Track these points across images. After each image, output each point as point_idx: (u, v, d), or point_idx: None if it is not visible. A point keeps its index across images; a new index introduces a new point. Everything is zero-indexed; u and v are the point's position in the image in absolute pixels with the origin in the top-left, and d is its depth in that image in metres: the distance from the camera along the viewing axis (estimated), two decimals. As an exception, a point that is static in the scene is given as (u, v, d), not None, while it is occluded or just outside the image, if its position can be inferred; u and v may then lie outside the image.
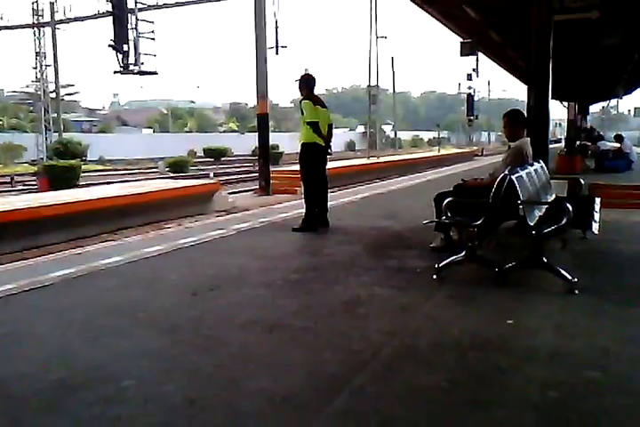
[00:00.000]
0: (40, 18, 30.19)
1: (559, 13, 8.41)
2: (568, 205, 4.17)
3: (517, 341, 3.25)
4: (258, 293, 4.20)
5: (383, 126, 52.08)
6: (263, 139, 15.21)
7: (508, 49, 17.39)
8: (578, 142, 20.72)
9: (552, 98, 8.99)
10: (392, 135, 52.91)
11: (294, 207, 8.54)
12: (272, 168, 16.40)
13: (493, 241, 5.63)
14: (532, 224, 4.30)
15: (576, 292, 4.09)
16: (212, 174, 23.57)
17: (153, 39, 20.00)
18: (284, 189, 15.01)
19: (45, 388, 2.64)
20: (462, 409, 2.48)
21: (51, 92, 32.27)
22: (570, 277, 4.17)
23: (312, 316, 3.68)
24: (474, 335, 3.31)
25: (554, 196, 5.71)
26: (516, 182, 4.26)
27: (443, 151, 36.38)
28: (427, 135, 69.92)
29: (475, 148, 42.00)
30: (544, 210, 4.84)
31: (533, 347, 3.16)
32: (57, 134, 31.65)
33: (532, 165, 5.31)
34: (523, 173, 4.66)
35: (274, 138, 20.01)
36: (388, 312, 3.77)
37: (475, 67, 39.63)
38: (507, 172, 4.40)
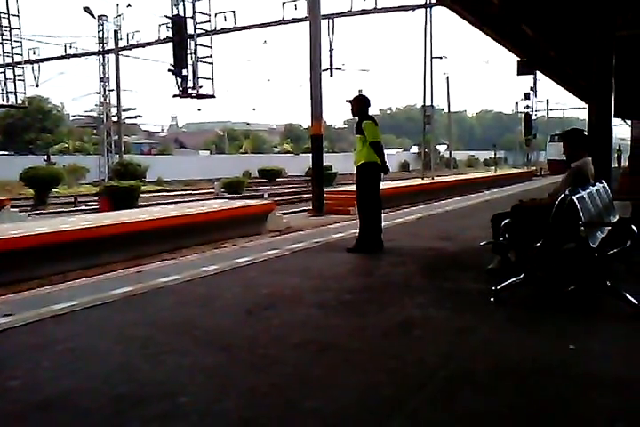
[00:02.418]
0: (105, 45, 31.57)
1: (621, 29, 8.23)
2: (633, 226, 4.03)
3: (580, 367, 3.13)
4: (311, 313, 4.20)
5: (438, 146, 51.72)
6: (317, 159, 15.31)
7: (567, 67, 17.07)
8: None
9: (614, 116, 8.75)
10: (447, 155, 52.46)
11: (348, 227, 8.55)
12: (326, 189, 16.47)
13: (553, 264, 5.47)
14: (594, 246, 4.17)
15: (642, 317, 3.92)
16: (266, 195, 23.86)
17: (211, 63, 20.58)
18: (337, 210, 15.02)
19: (106, 402, 2.71)
20: (523, 437, 2.40)
21: (113, 116, 33.55)
22: (635, 302, 4.00)
23: (366, 337, 3.66)
24: (534, 360, 3.21)
25: (617, 217, 5.52)
26: (577, 203, 4.15)
27: (499, 172, 35.72)
28: (483, 155, 68.89)
29: (533, 168, 41.18)
30: (607, 232, 4.69)
31: (598, 374, 3.03)
32: (118, 156, 32.78)
33: (593, 185, 5.16)
34: (584, 194, 4.54)
35: (327, 159, 20.12)
36: (443, 335, 3.70)
37: (532, 85, 39.15)
38: (567, 192, 4.29)
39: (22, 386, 2.91)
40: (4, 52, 23.77)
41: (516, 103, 46.99)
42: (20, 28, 23.73)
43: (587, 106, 12.29)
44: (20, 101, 25.24)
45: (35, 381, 2.98)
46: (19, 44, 24.16)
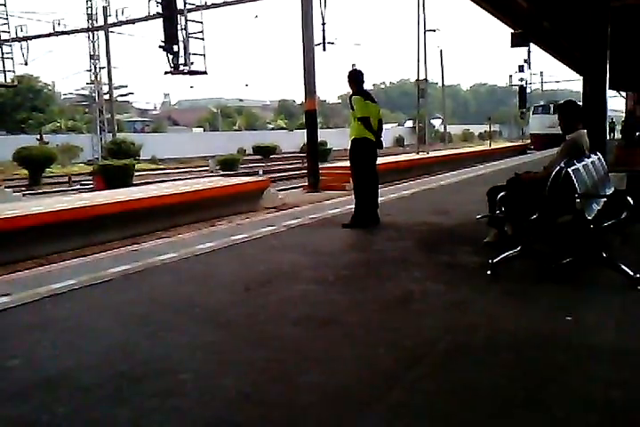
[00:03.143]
0: (94, 22, 31.05)
1: (616, -1, 8.13)
2: (628, 198, 4.03)
3: (577, 338, 3.16)
4: (309, 289, 4.22)
5: (432, 120, 51.39)
6: (311, 135, 15.23)
7: (562, 39, 16.90)
8: (638, 134, 19.96)
9: (609, 88, 8.70)
10: (441, 129, 52.24)
11: (344, 203, 8.54)
12: (321, 165, 16.43)
13: (549, 236, 5.49)
14: (590, 218, 4.18)
15: (638, 288, 3.95)
16: (261, 172, 23.78)
17: (202, 39, 20.24)
18: (332, 186, 15.01)
19: (107, 380, 2.73)
20: (521, 408, 2.43)
21: (105, 94, 33.18)
22: (631, 273, 4.03)
23: (364, 312, 3.68)
24: (531, 332, 3.24)
25: (612, 189, 5.52)
26: (572, 175, 4.15)
27: (494, 145, 35.66)
28: (477, 129, 68.63)
29: (527, 141, 40.95)
30: (602, 204, 4.69)
31: (594, 344, 3.07)
32: (111, 135, 32.53)
33: (588, 157, 5.15)
34: (579, 166, 4.53)
35: (322, 134, 20.06)
36: (441, 308, 3.73)
37: (526, 58, 38.84)
38: (562, 164, 4.28)
39: (23, 365, 2.93)
40: (-10, 30, 23.39)
41: (510, 76, 46.77)
42: (5, 5, 23.30)
43: (581, 78, 12.21)
44: (9, 80, 24.88)
45: (35, 359, 3.00)
46: (5, 22, 23.76)
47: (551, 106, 33.91)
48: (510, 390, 2.58)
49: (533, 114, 36.62)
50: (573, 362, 2.85)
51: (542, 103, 37.06)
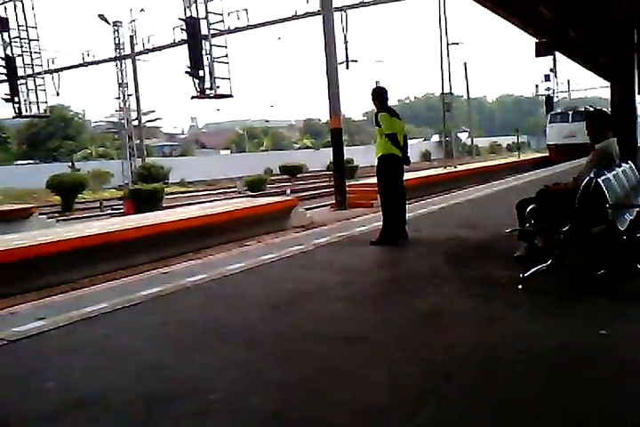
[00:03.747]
0: (121, 51, 31.86)
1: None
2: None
3: (612, 352, 3.08)
4: (338, 306, 4.20)
5: (459, 134, 51.21)
6: (337, 153, 15.28)
7: (588, 45, 16.73)
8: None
9: (638, 93, 8.56)
10: (468, 143, 51.96)
11: (371, 220, 8.51)
12: (347, 182, 16.44)
13: (581, 248, 5.39)
14: (622, 229, 4.09)
15: (675, 299, 3.84)
16: (288, 191, 23.92)
17: (227, 63, 20.64)
18: (360, 203, 14.99)
19: (138, 400, 2.75)
20: (554, 425, 2.37)
21: (133, 120, 33.88)
22: (668, 284, 3.93)
23: (394, 328, 3.65)
24: (564, 347, 3.17)
25: (645, 198, 5.40)
26: (602, 185, 4.08)
27: (523, 157, 35.29)
28: (505, 141, 68.08)
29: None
30: (635, 214, 4.60)
31: (630, 359, 2.98)
32: (140, 160, 33.14)
33: (619, 166, 5.06)
34: (610, 176, 4.46)
35: (348, 152, 20.09)
36: (471, 324, 3.67)
37: (552, 67, 38.47)
38: (592, 175, 4.21)
39: (57, 387, 2.97)
40: (24, 64, 24.21)
41: (537, 86, 46.31)
42: (38, 40, 24.13)
43: (609, 85, 12.03)
44: (42, 111, 25.71)
45: (69, 381, 3.04)
46: (38, 55, 24.58)
47: (569, 113, 31.39)
48: (543, 406, 2.52)
49: (550, 123, 32.91)
50: (608, 377, 2.78)
51: (560, 111, 33.51)
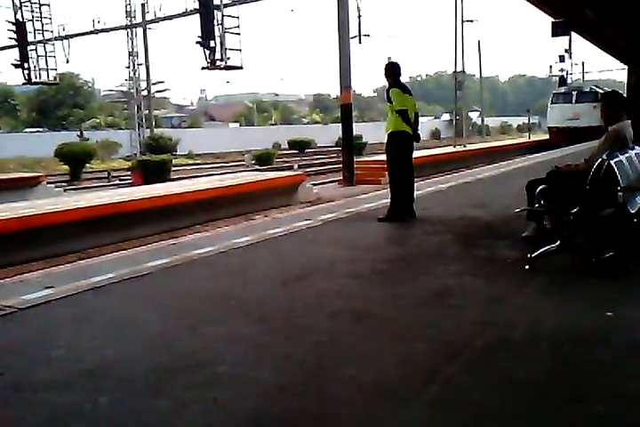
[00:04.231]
0: (132, 19, 31.52)
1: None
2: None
3: (618, 334, 3.09)
4: (346, 282, 4.22)
5: (470, 113, 50.69)
6: (347, 129, 15.18)
7: (606, 27, 16.43)
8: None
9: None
10: (479, 122, 51.51)
11: (379, 197, 8.50)
12: (356, 158, 16.37)
13: (590, 230, 5.37)
14: (633, 212, 4.07)
15: (684, 283, 3.84)
16: (296, 166, 23.85)
17: (238, 34, 20.43)
18: (368, 180, 14.95)
19: (148, 371, 2.78)
20: (560, 403, 2.39)
21: (142, 90, 33.68)
22: (676, 268, 3.92)
23: (401, 306, 3.66)
24: (570, 327, 3.19)
25: (657, 181, 5.35)
26: (615, 167, 4.04)
27: (533, 137, 34.95)
28: (516, 121, 67.46)
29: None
30: (646, 197, 4.56)
31: (636, 341, 2.99)
32: (149, 130, 33.05)
33: (632, 149, 5.01)
34: (622, 158, 4.41)
35: (357, 128, 19.94)
36: (479, 303, 3.69)
37: (567, 47, 37.87)
38: (605, 157, 4.17)
39: (66, 355, 3.01)
40: (34, 30, 24.01)
41: (550, 66, 45.53)
42: (49, 5, 23.86)
43: (625, 68, 11.82)
44: (51, 78, 25.57)
45: (78, 350, 3.08)
46: (48, 21, 24.33)
47: (574, 94, 29.11)
48: (549, 386, 2.54)
49: (552, 104, 29.94)
50: (614, 359, 2.78)
51: (563, 90, 30.69)
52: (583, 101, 27.63)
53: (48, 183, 16.57)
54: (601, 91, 28.39)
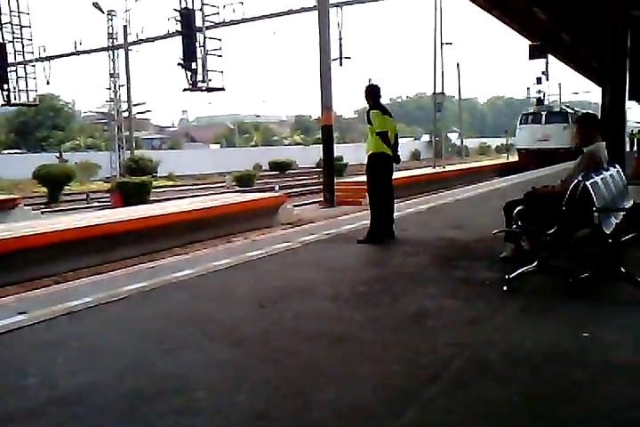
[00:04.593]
0: (114, 41, 31.62)
1: (636, 8, 8.07)
2: (647, 211, 3.98)
3: (595, 355, 3.11)
4: (324, 305, 4.20)
5: (449, 134, 51.35)
6: (328, 150, 15.29)
7: (580, 50, 16.85)
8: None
9: (629, 99, 8.62)
10: (458, 143, 52.14)
11: (359, 219, 8.52)
12: (336, 180, 16.45)
13: (567, 251, 5.42)
14: (608, 232, 4.12)
15: (658, 303, 3.88)
16: (277, 187, 23.88)
17: (220, 56, 20.56)
18: (348, 201, 15.02)
19: (122, 397, 2.73)
20: (537, 425, 2.39)
21: (123, 112, 33.65)
22: (651, 288, 3.96)
23: (380, 328, 3.65)
24: (548, 349, 3.19)
25: (631, 202, 5.45)
26: (590, 189, 4.11)
27: (512, 158, 35.41)
28: (494, 142, 68.39)
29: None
30: (621, 217, 4.63)
31: (612, 362, 3.01)
32: (129, 152, 32.94)
33: (607, 170, 5.10)
34: (597, 179, 4.49)
35: (338, 149, 20.09)
36: (457, 325, 3.69)
37: (544, 69, 38.62)
38: (580, 178, 4.24)
39: (38, 383, 2.94)
40: (15, 51, 23.92)
41: (528, 88, 46.41)
42: (30, 26, 23.84)
43: (600, 89, 12.08)
44: (31, 99, 25.43)
45: (51, 377, 3.01)
46: (29, 42, 24.28)
47: (543, 114, 28.20)
48: (527, 407, 2.54)
49: (521, 124, 29.05)
50: (591, 380, 2.79)
51: (532, 111, 29.87)
52: (553, 122, 27.21)
53: (25, 205, 16.36)
54: (571, 111, 28.44)
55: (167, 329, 3.76)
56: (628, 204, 5.36)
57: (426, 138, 62.31)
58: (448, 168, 26.92)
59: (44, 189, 23.57)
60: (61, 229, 8.60)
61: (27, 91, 24.73)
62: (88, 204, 21.06)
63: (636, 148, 25.21)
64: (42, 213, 17.22)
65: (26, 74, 24.50)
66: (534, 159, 25.44)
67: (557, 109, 29.43)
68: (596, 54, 12.88)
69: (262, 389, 2.80)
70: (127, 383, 2.89)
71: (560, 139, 25.56)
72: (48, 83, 28.84)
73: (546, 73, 39.13)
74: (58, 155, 32.78)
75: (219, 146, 60.73)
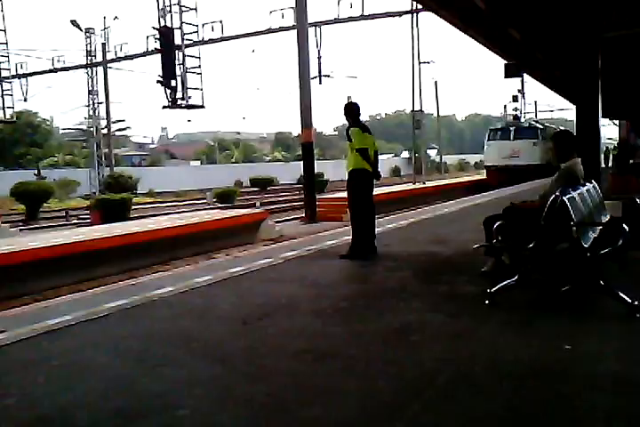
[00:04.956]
0: (93, 58, 31.56)
1: (607, 30, 8.30)
2: (624, 225, 4.05)
3: (577, 367, 3.14)
4: (308, 321, 4.19)
5: (428, 151, 51.72)
6: (308, 167, 15.33)
7: (555, 69, 17.21)
8: (631, 161, 20.14)
9: (602, 116, 8.82)
10: (438, 159, 52.63)
11: (341, 234, 8.55)
12: (317, 196, 16.49)
13: (547, 264, 5.48)
14: (586, 246, 4.19)
15: (637, 315, 3.93)
16: (258, 204, 23.86)
17: (200, 74, 20.56)
18: (329, 217, 15.04)
19: (104, 417, 2.69)
20: (523, 439, 2.40)
21: (102, 129, 33.47)
22: (629, 301, 4.02)
23: (364, 344, 3.65)
24: (531, 362, 3.22)
25: (608, 217, 5.55)
26: (567, 203, 4.17)
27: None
28: (473, 158, 69.14)
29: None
30: (598, 231, 4.71)
31: (595, 374, 3.04)
32: (108, 169, 32.71)
33: (584, 185, 5.19)
34: (575, 194, 4.56)
35: (319, 166, 20.17)
36: (441, 339, 3.70)
37: (520, 88, 39.33)
38: (558, 193, 4.31)
39: (18, 403, 2.88)
40: (-9, 67, 23.72)
41: (505, 106, 47.24)
42: (6, 43, 23.68)
43: (574, 107, 12.37)
44: (8, 116, 25.14)
45: (30, 397, 2.96)
46: (6, 59, 24.12)
47: (512, 129, 27.03)
48: (511, 420, 2.55)
49: (489, 140, 27.81)
50: (574, 392, 2.82)
51: (500, 126, 28.71)
52: (522, 138, 26.16)
53: (3, 223, 16.14)
54: (541, 126, 27.66)
55: (149, 347, 3.72)
56: (605, 218, 5.45)
57: (405, 154, 62.80)
58: (428, 184, 27.11)
59: (22, 207, 23.27)
60: (40, 247, 8.50)
61: (3, 108, 24.48)
62: (67, 221, 20.79)
63: (610, 163, 25.62)
64: (20, 230, 16.97)
65: (2, 91, 24.27)
66: (503, 177, 24.61)
67: (527, 125, 28.22)
68: (570, 73, 13.18)
69: (247, 406, 2.78)
70: (110, 402, 2.85)
71: (530, 155, 24.99)
72: (26, 100, 28.64)
73: (522, 91, 39.86)
74: (36, 172, 32.45)
75: (199, 163, 60.60)
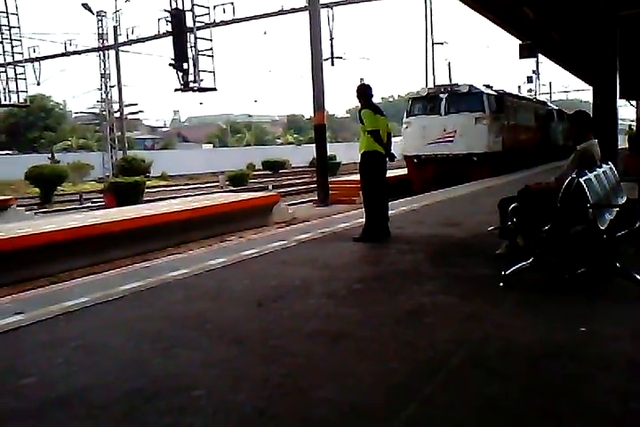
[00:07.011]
0: (105, 41, 31.50)
1: (625, 8, 8.12)
2: (641, 207, 4.00)
3: (592, 349, 3.13)
4: (322, 303, 4.21)
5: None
6: (321, 149, 15.28)
7: (571, 49, 16.90)
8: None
9: (620, 97, 8.67)
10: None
11: (354, 217, 8.54)
12: (330, 178, 16.45)
13: (562, 247, 5.45)
14: (602, 228, 4.15)
15: (653, 298, 3.91)
16: (270, 187, 23.88)
17: (211, 56, 20.51)
18: (342, 200, 15.04)
19: (122, 397, 2.72)
20: (536, 419, 2.40)
21: (115, 112, 33.53)
22: (645, 283, 3.99)
23: (377, 325, 3.66)
24: (545, 343, 3.21)
25: (625, 198, 5.49)
26: (584, 185, 4.13)
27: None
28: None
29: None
30: (615, 213, 4.66)
31: (610, 355, 3.03)
32: (121, 152, 32.83)
33: (600, 167, 5.13)
34: (591, 176, 4.51)
35: (331, 148, 20.07)
36: (454, 321, 3.70)
37: (535, 68, 38.84)
38: (574, 175, 4.26)
39: (37, 383, 2.93)
40: (4, 51, 23.79)
41: (519, 87, 46.58)
42: (19, 27, 23.72)
43: (591, 88, 12.11)
44: (21, 100, 25.28)
45: (49, 378, 3.00)
46: (19, 43, 24.15)
47: (442, 98, 16.70)
48: (525, 402, 2.55)
49: (409, 116, 17.56)
50: (588, 374, 2.81)
51: (423, 94, 17.76)
52: (460, 111, 16.43)
53: (18, 206, 16.30)
54: (493, 93, 17.87)
55: (164, 329, 3.76)
56: (622, 200, 5.39)
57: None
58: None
59: (37, 190, 23.46)
60: (55, 230, 8.57)
61: (17, 92, 24.58)
62: (81, 204, 20.96)
63: (627, 145, 25.30)
64: (35, 213, 17.16)
65: (16, 75, 24.35)
66: (429, 173, 16.62)
67: (465, 90, 16.79)
68: (587, 53, 12.94)
69: (262, 387, 2.81)
70: (126, 383, 2.89)
71: (471, 138, 16.03)
72: (39, 83, 28.62)
73: (536, 72, 39.36)
74: (50, 155, 32.64)
75: (211, 146, 60.59)
